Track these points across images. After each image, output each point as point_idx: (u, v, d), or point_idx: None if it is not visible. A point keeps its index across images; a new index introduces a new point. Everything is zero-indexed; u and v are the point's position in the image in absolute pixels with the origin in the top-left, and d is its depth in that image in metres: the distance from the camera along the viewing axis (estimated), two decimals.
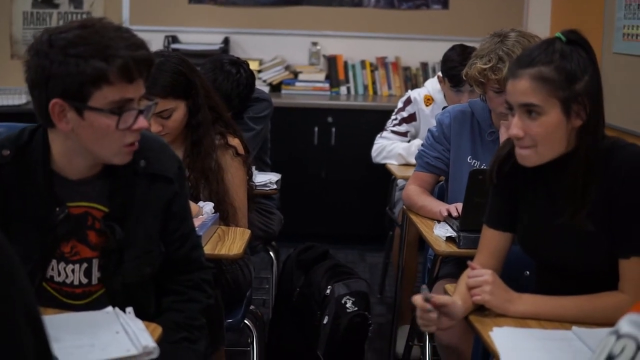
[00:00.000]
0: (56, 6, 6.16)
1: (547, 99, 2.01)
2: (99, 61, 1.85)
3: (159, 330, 1.95)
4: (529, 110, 2.03)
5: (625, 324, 1.35)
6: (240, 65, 3.75)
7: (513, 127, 2.06)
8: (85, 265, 2.07)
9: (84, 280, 2.08)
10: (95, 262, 2.07)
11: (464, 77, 3.06)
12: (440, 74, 4.20)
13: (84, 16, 6.13)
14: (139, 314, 1.99)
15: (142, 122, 1.96)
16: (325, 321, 3.46)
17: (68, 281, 2.07)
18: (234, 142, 2.94)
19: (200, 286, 2.22)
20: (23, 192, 2.01)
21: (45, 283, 2.07)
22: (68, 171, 2.03)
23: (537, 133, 2.03)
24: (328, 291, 3.51)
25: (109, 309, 2.00)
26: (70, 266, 2.07)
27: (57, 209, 2.02)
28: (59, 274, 2.07)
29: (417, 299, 2.00)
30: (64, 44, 1.85)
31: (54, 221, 2.02)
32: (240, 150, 2.95)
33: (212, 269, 2.29)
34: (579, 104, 2.02)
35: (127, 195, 2.06)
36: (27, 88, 1.92)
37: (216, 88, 3.36)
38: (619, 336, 1.35)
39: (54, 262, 2.06)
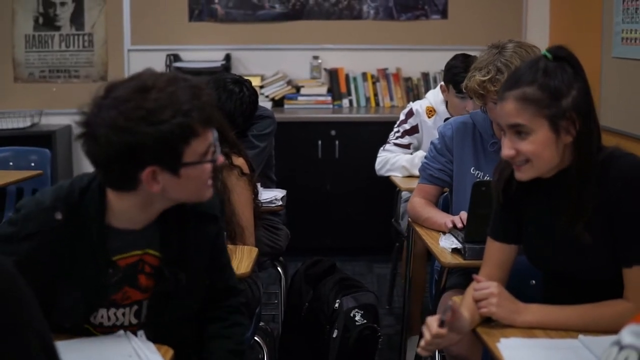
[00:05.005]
0: (58, 28, 6.20)
1: (533, 119, 2.03)
2: (181, 118, 1.85)
3: (170, 352, 1.97)
4: (518, 130, 2.05)
5: (627, 335, 1.37)
6: (243, 83, 3.74)
7: (504, 149, 2.08)
8: (135, 307, 2.08)
9: (134, 321, 2.09)
10: (145, 304, 2.08)
11: (464, 89, 3.08)
12: (442, 83, 4.21)
13: (86, 37, 6.17)
14: (181, 344, 2.03)
15: (220, 157, 1.99)
16: (334, 335, 3.47)
17: (118, 323, 2.08)
18: (239, 161, 2.96)
19: (240, 309, 2.27)
20: (75, 250, 1.98)
21: (92, 328, 2.06)
22: (126, 224, 2.01)
23: (527, 151, 2.05)
24: (337, 305, 3.52)
25: (121, 332, 2.02)
26: (121, 310, 2.07)
27: (111, 270, 2.01)
28: (109, 319, 2.06)
29: (433, 326, 1.95)
30: (143, 114, 1.83)
31: (107, 282, 2.01)
32: (246, 169, 2.96)
33: (244, 290, 2.33)
34: (567, 120, 2.03)
35: (180, 239, 2.07)
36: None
37: (219, 107, 3.34)
38: (621, 347, 1.36)
39: (103, 310, 2.05)
